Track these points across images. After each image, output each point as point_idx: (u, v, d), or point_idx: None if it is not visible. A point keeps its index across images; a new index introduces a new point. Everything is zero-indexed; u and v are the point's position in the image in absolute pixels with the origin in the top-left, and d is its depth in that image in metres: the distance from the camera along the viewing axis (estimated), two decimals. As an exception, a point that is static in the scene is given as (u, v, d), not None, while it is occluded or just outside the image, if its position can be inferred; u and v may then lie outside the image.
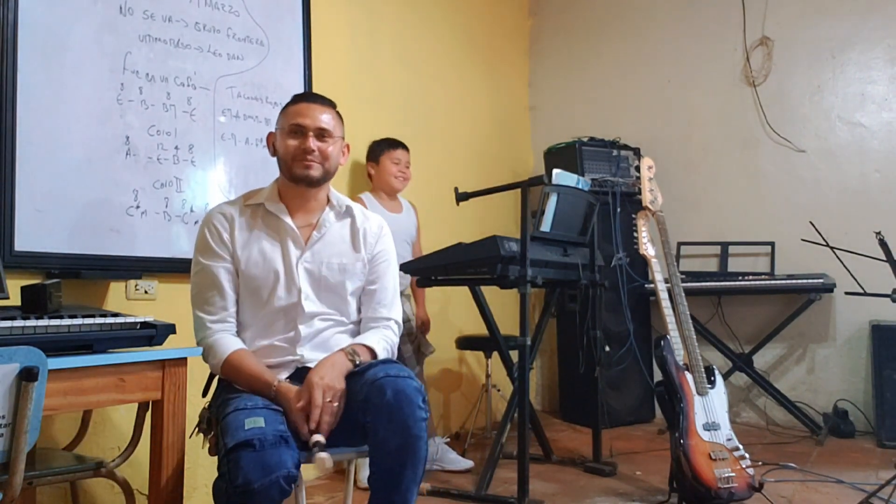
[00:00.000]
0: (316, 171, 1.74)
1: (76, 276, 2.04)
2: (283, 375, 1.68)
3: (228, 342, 1.67)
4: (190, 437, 1.68)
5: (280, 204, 1.78)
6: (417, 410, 1.49)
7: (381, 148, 3.05)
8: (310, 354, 1.70)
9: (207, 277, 1.71)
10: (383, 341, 1.77)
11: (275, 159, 1.82)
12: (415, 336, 3.01)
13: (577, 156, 3.89)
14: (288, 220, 1.77)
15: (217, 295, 1.70)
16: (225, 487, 1.33)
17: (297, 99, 1.82)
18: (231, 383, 1.67)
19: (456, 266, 2.56)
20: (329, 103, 1.82)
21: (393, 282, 1.87)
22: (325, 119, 1.77)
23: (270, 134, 1.83)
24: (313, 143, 1.73)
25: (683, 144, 4.15)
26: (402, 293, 3.06)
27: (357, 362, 1.65)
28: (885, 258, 2.34)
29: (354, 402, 1.56)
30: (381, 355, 1.73)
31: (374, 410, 1.49)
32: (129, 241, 2.22)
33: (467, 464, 2.92)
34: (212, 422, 1.60)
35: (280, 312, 1.72)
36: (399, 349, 2.86)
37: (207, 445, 1.62)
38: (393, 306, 1.85)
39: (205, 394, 1.78)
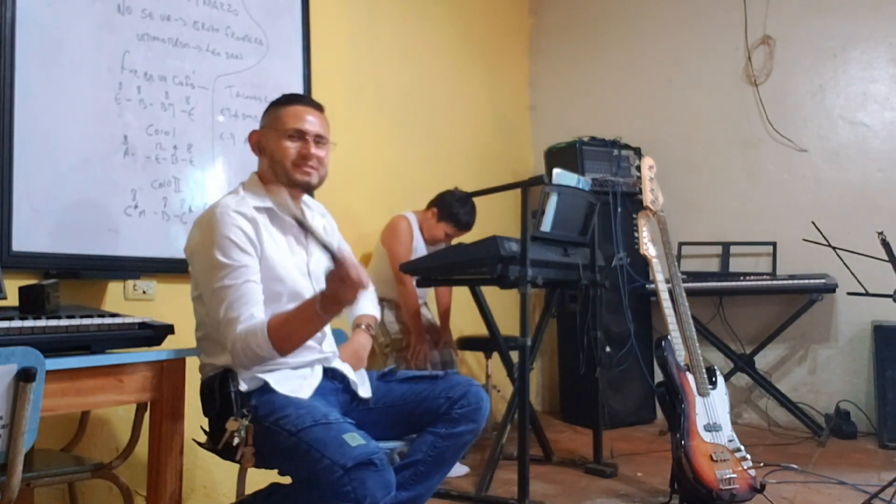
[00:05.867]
0: (315, 178, 1.76)
1: (74, 277, 2.03)
2: (314, 381, 1.69)
3: (253, 322, 1.57)
4: (220, 447, 1.59)
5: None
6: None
7: (454, 217, 2.98)
8: (328, 348, 1.78)
9: (245, 275, 1.60)
10: (376, 304, 2.05)
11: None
12: (442, 345, 3.04)
13: (577, 155, 3.88)
14: (294, 222, 1.76)
15: (255, 292, 1.61)
16: None
17: (291, 100, 1.78)
18: (267, 388, 1.61)
19: (456, 266, 2.55)
20: (321, 107, 1.81)
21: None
22: (322, 125, 1.78)
23: (255, 132, 1.79)
24: (315, 149, 1.74)
25: (684, 144, 4.14)
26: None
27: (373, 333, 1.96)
28: (887, 258, 2.33)
29: (433, 398, 1.77)
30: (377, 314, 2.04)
31: (466, 408, 1.75)
32: (128, 241, 2.21)
33: (463, 470, 2.91)
34: (248, 431, 1.54)
35: None
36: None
37: (242, 456, 1.55)
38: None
39: (212, 411, 1.65)
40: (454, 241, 3.10)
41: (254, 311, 1.59)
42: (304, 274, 1.76)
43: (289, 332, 1.57)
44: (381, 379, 1.87)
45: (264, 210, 1.71)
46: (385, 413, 1.78)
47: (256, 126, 1.83)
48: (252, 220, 1.66)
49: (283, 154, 1.72)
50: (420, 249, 3.03)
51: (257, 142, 1.79)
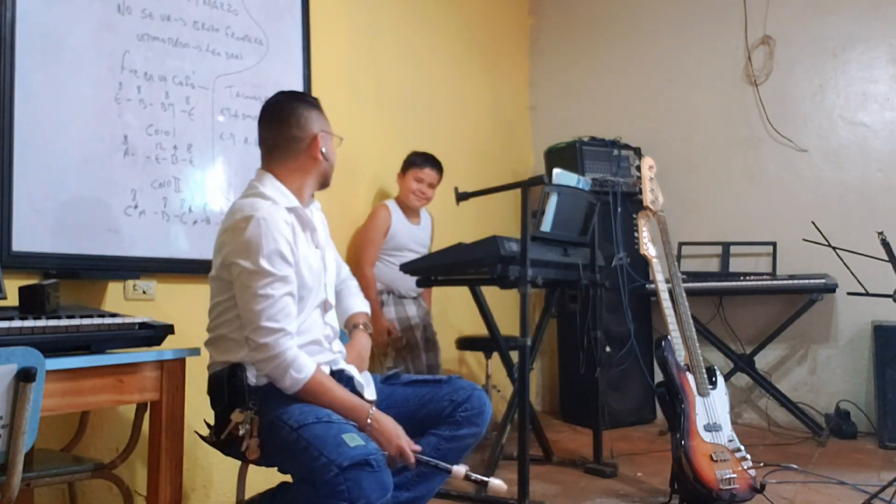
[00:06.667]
0: None
1: (74, 277, 2.03)
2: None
3: (307, 359, 1.62)
4: (222, 437, 1.61)
5: (304, 207, 1.79)
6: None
7: (412, 162, 3.06)
8: (336, 348, 1.81)
9: (286, 287, 1.62)
10: (364, 299, 2.07)
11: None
12: (432, 343, 3.03)
13: (577, 155, 3.88)
14: (313, 221, 1.79)
15: (292, 305, 1.64)
16: None
17: (314, 102, 1.85)
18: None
19: (456, 266, 2.55)
20: None
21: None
22: None
23: (319, 136, 1.78)
24: None
25: (684, 144, 4.14)
26: (413, 297, 3.07)
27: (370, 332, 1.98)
28: (887, 258, 2.33)
29: (436, 401, 1.81)
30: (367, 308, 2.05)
31: (469, 412, 1.80)
32: (128, 241, 2.21)
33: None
34: (253, 423, 1.56)
35: (315, 311, 1.76)
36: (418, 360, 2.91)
37: (247, 448, 1.56)
38: (345, 264, 2.11)
39: (220, 403, 1.67)
40: (423, 188, 3.04)
41: (294, 327, 1.63)
42: (322, 268, 1.79)
43: (320, 399, 1.60)
44: (385, 382, 1.89)
45: (292, 211, 1.73)
46: (389, 415, 1.79)
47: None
48: (290, 225, 1.69)
49: (333, 157, 1.84)
50: (401, 232, 3.03)
51: (323, 148, 1.79)
